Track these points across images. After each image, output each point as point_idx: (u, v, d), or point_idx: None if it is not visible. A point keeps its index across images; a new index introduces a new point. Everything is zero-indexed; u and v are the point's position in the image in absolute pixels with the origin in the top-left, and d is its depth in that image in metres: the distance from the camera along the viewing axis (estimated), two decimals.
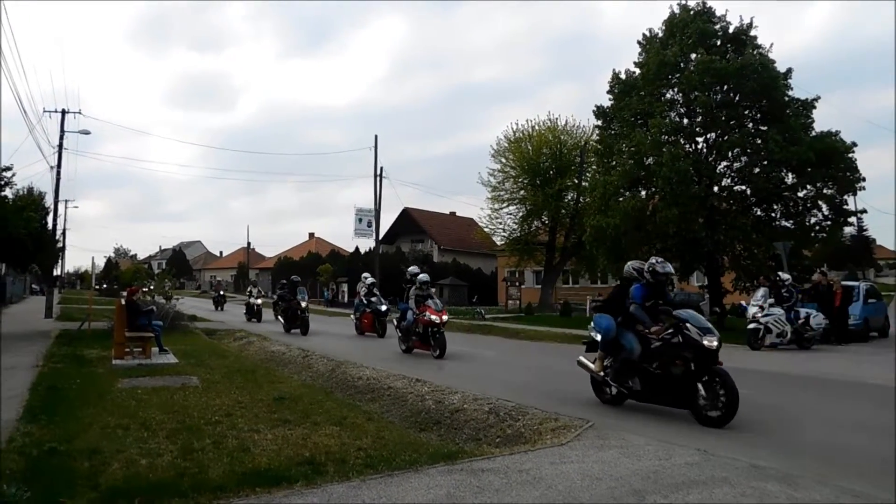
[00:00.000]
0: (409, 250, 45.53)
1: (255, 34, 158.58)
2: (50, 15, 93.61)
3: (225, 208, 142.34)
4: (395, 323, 13.94)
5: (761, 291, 14.57)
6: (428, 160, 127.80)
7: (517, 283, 33.83)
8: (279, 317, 19.60)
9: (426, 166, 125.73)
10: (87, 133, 26.19)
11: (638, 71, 21.37)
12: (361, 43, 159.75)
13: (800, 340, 13.81)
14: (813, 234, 20.17)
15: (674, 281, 18.14)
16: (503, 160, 31.86)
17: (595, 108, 22.43)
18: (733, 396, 5.95)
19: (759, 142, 19.27)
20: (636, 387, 6.79)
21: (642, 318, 6.78)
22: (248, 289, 27.01)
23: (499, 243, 34.80)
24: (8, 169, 18.08)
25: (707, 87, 19.27)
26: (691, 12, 20.60)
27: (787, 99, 19.60)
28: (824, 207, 19.67)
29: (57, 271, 44.38)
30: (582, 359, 7.61)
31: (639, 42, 21.89)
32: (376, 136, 36.31)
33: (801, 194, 19.76)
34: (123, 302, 11.80)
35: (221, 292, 36.04)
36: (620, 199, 20.55)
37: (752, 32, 20.20)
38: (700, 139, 20.59)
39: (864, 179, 19.29)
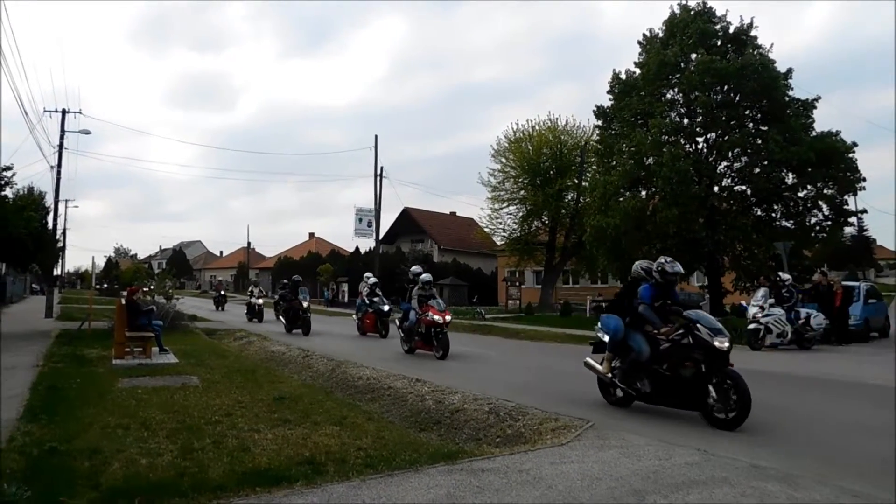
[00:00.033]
0: (410, 250, 45.53)
1: (255, 34, 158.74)
2: (50, 15, 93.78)
3: (225, 208, 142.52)
4: (398, 323, 13.86)
5: (761, 292, 14.56)
6: (428, 160, 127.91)
7: (517, 283, 33.83)
8: (280, 317, 19.53)
9: (426, 166, 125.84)
10: (88, 133, 26.22)
11: (638, 71, 21.38)
12: (361, 43, 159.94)
13: (800, 341, 13.81)
14: (813, 235, 20.20)
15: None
16: (503, 160, 31.89)
17: (595, 108, 22.47)
18: (745, 398, 5.84)
19: (760, 142, 19.30)
20: (645, 388, 6.68)
21: (651, 318, 6.66)
22: (250, 289, 26.98)
23: (499, 243, 34.83)
24: (8, 168, 18.08)
25: (707, 87, 19.29)
26: (692, 12, 20.63)
27: (787, 99, 19.62)
28: (825, 207, 19.70)
29: (57, 271, 44.45)
30: (589, 360, 7.49)
31: (639, 42, 21.92)
32: (376, 137, 36.34)
33: (801, 194, 19.79)
34: (124, 302, 11.80)
35: (222, 292, 36.02)
36: (621, 199, 20.57)
37: (753, 32, 20.25)
38: (700, 139, 20.62)
39: (864, 179, 19.35)
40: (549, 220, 31.10)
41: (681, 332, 6.40)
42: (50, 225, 24.16)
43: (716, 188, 20.46)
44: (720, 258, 20.54)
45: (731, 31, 20.39)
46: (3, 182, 17.93)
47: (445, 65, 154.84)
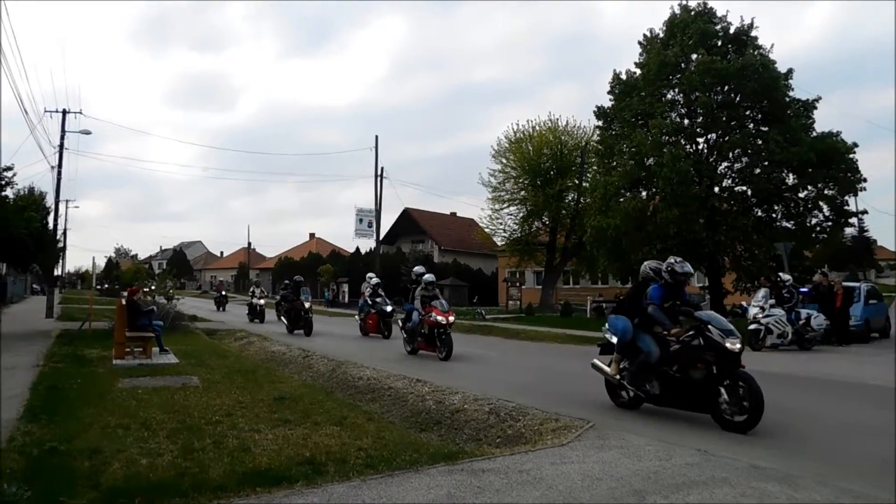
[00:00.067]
0: (410, 251, 45.52)
1: (255, 34, 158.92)
2: (51, 15, 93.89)
3: (225, 208, 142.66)
4: (401, 324, 13.79)
5: (762, 292, 14.56)
6: (428, 160, 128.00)
7: (518, 284, 33.83)
8: (282, 318, 19.48)
9: (426, 166, 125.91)
10: (88, 133, 26.23)
11: (638, 71, 21.38)
12: (361, 43, 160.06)
13: (801, 341, 13.80)
14: (814, 235, 20.19)
15: None
16: (504, 160, 31.92)
17: (596, 109, 22.47)
18: (758, 401, 5.74)
19: (760, 142, 19.29)
20: (654, 390, 6.58)
21: (661, 319, 6.55)
22: (251, 289, 26.92)
23: (499, 244, 34.83)
24: (9, 169, 18.10)
25: (708, 87, 19.28)
26: (692, 13, 20.62)
27: (787, 99, 19.62)
28: (825, 208, 19.69)
29: (57, 271, 44.47)
30: (596, 361, 7.39)
31: (639, 42, 21.91)
32: (377, 137, 36.35)
33: (801, 195, 19.78)
34: (124, 302, 11.80)
35: (223, 293, 36.00)
36: (621, 199, 20.57)
37: (753, 33, 20.24)
38: (701, 140, 20.61)
39: (864, 180, 19.34)
40: (549, 220, 31.11)
41: (691, 333, 6.30)
42: (50, 225, 24.21)
43: (716, 189, 20.45)
44: (721, 259, 20.54)
45: (731, 31, 20.38)
46: (3, 182, 17.95)
47: (445, 65, 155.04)
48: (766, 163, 18.99)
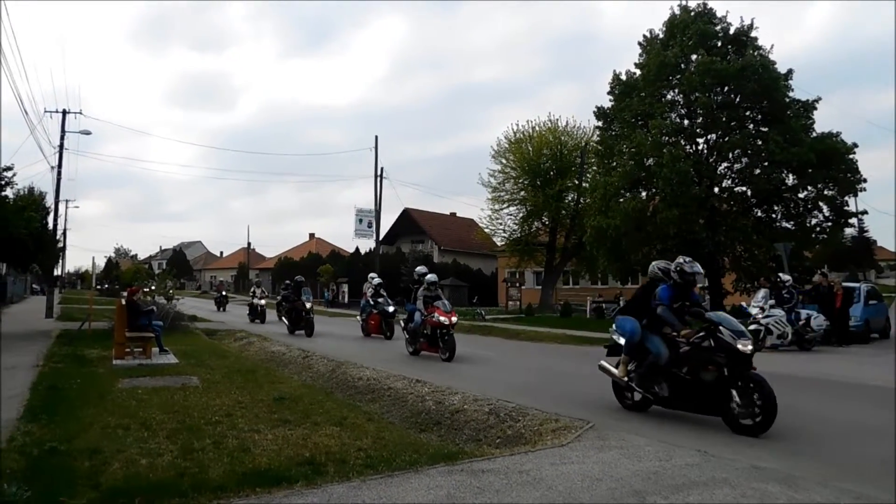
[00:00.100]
0: (410, 251, 45.52)
1: (255, 34, 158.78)
2: (51, 15, 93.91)
3: (225, 208, 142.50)
4: (402, 325, 13.73)
5: (762, 293, 14.56)
6: (428, 160, 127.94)
7: (517, 284, 33.85)
8: (283, 318, 19.46)
9: (426, 166, 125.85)
10: (88, 133, 26.25)
11: (638, 72, 21.40)
12: (361, 43, 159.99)
13: (800, 342, 13.80)
14: (814, 236, 20.21)
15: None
16: (503, 161, 31.94)
17: (595, 109, 22.50)
18: (771, 403, 5.66)
19: (760, 143, 19.31)
20: (663, 393, 6.45)
21: (671, 320, 6.43)
22: (252, 289, 26.90)
23: (499, 244, 34.85)
24: (9, 169, 18.10)
25: (708, 88, 19.30)
26: (692, 13, 20.65)
27: (787, 100, 19.64)
28: (825, 208, 19.72)
29: (57, 271, 44.48)
30: (604, 363, 7.26)
31: (639, 43, 21.93)
32: (377, 137, 36.36)
33: (801, 195, 19.80)
34: (124, 302, 11.81)
35: (224, 293, 35.97)
36: (621, 199, 20.59)
37: (753, 33, 20.27)
38: (701, 140, 20.63)
39: (864, 181, 19.36)
40: (549, 220, 31.12)
41: (701, 334, 6.21)
42: (50, 225, 24.21)
43: (716, 189, 20.47)
44: (720, 259, 20.55)
45: (731, 31, 20.40)
46: (3, 182, 17.95)
47: (445, 65, 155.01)
48: (766, 163, 19.00)
